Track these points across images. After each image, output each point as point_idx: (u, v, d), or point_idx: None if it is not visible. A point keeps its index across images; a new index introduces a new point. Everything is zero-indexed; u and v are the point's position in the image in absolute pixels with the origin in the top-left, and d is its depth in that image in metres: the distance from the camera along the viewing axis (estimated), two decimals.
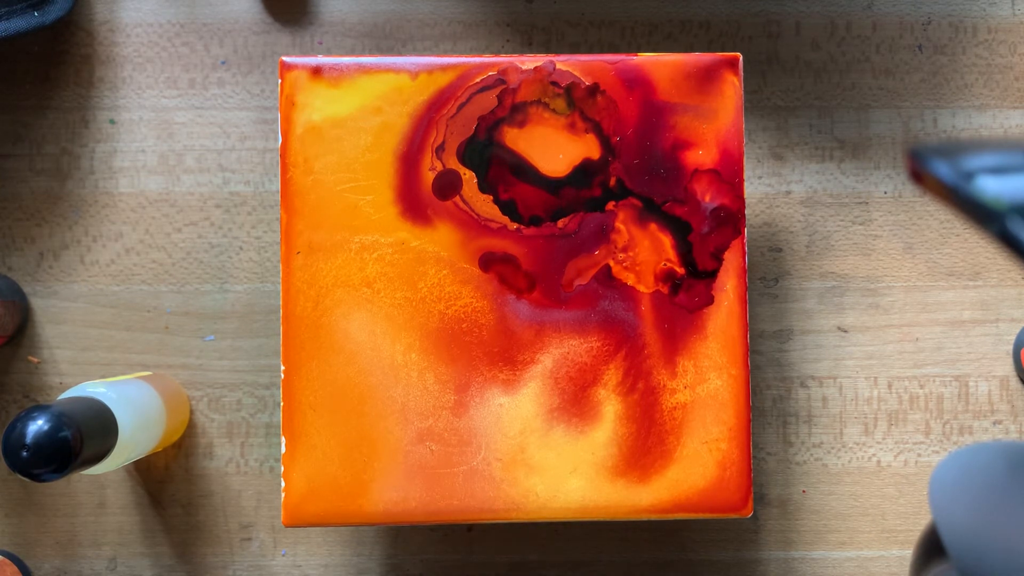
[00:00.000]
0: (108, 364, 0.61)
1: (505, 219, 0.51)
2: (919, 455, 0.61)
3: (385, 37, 0.62)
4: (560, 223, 0.51)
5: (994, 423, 0.61)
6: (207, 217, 0.61)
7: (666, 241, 0.51)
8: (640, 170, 0.51)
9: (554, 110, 0.52)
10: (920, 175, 0.31)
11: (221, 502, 0.61)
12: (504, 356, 0.51)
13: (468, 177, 0.51)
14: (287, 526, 0.51)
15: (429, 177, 0.51)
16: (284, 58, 0.52)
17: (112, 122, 0.61)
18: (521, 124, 0.51)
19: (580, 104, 0.52)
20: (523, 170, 0.51)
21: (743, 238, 0.51)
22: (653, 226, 0.51)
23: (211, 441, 0.61)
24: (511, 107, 0.51)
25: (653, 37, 0.62)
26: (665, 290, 0.51)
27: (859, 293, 0.61)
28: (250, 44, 0.62)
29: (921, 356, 0.61)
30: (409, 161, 0.51)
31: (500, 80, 0.51)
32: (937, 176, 0.30)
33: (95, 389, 0.52)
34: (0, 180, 0.61)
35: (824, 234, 0.62)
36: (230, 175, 0.61)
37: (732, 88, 0.52)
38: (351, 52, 0.62)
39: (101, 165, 0.61)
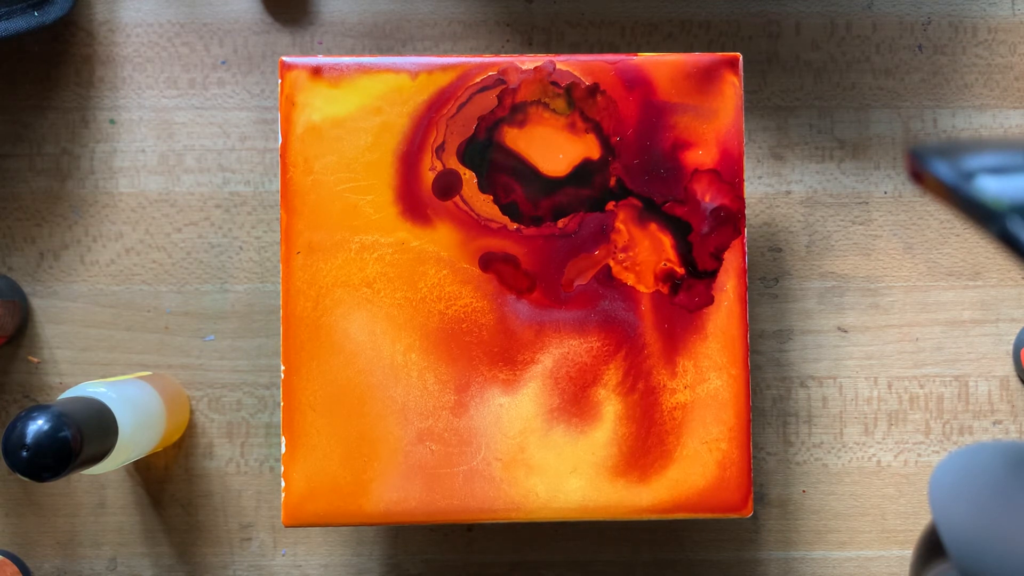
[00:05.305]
0: (108, 364, 0.61)
1: (505, 219, 0.51)
2: (919, 455, 0.61)
3: (385, 37, 0.62)
4: (560, 223, 0.51)
5: (994, 423, 0.61)
6: (207, 217, 0.61)
7: (666, 241, 0.51)
8: (640, 170, 0.51)
9: (554, 110, 0.51)
10: (920, 175, 0.31)
11: (221, 502, 0.61)
12: (504, 356, 0.51)
13: (468, 177, 0.51)
14: (287, 526, 0.51)
15: (429, 177, 0.51)
16: (284, 58, 0.52)
17: (112, 122, 0.61)
18: (521, 124, 0.51)
19: (580, 104, 0.52)
20: (523, 170, 0.51)
21: (743, 238, 0.51)
22: (653, 226, 0.51)
23: (211, 441, 0.61)
24: (511, 107, 0.51)
25: (653, 37, 0.62)
26: (665, 290, 0.51)
27: (859, 293, 0.61)
28: (250, 44, 0.62)
29: (921, 356, 0.61)
30: (409, 161, 0.51)
31: (500, 80, 0.51)
32: (937, 176, 0.30)
33: (95, 389, 0.52)
34: (0, 180, 0.61)
35: (824, 234, 0.62)
36: (230, 175, 0.61)
37: (732, 88, 0.52)
38: (351, 52, 0.62)
39: (101, 165, 0.61)
